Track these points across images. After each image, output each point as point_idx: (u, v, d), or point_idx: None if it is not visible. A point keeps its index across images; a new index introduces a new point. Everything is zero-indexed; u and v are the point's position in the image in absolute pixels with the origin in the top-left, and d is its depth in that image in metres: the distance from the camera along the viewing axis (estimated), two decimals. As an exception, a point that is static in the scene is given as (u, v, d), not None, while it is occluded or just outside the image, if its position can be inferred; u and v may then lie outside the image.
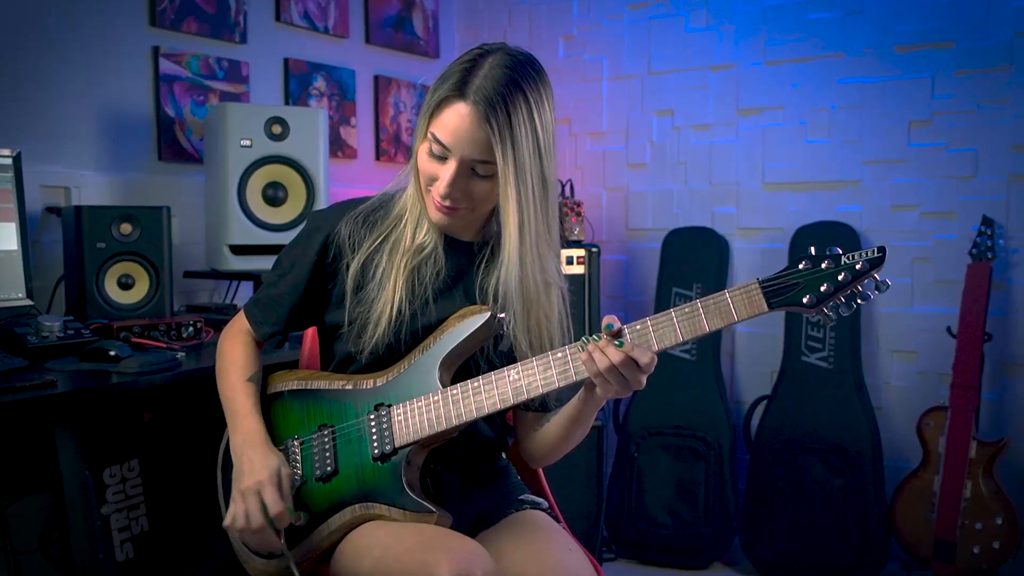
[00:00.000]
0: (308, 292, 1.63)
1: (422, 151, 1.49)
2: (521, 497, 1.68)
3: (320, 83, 3.45)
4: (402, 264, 1.54)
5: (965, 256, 2.95)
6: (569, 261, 3.18)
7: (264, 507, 1.48)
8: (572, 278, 3.15)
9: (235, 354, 1.68)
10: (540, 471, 1.87)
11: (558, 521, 1.67)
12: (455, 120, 1.43)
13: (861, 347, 3.19)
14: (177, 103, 2.95)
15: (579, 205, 3.41)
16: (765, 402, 3.31)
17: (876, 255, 1.30)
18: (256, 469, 1.50)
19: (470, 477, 1.66)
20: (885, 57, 3.17)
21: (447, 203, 1.49)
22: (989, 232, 2.89)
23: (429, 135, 1.46)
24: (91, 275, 2.36)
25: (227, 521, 1.50)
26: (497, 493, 1.69)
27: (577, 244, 3.27)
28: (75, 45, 2.69)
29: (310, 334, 1.91)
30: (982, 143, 3.02)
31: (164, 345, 2.22)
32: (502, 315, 1.53)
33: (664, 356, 3.43)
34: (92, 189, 2.71)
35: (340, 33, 3.53)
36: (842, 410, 3.13)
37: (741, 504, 3.28)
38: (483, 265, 1.60)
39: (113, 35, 2.78)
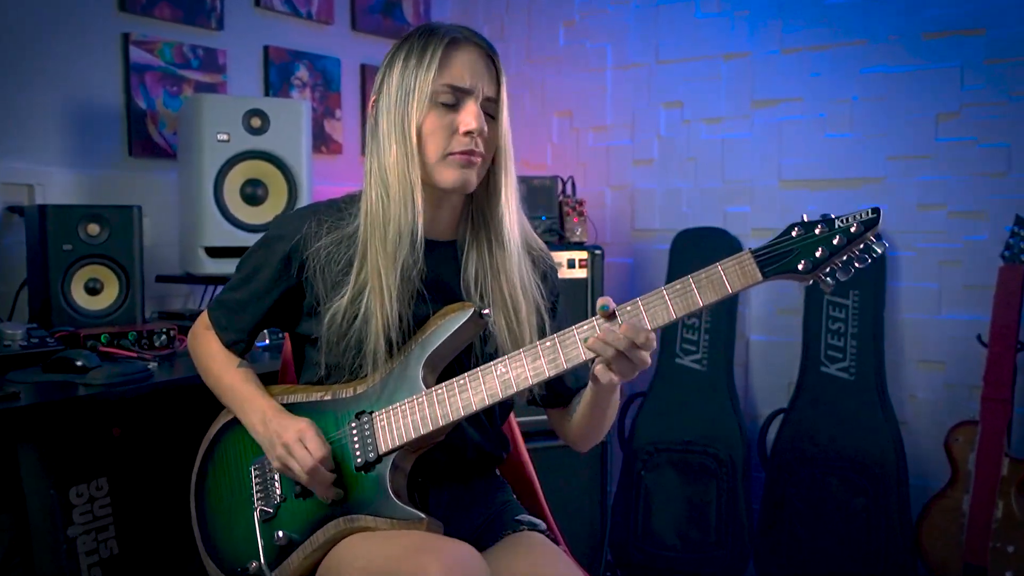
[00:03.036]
0: (272, 303, 1.66)
1: (427, 116, 1.53)
2: (518, 517, 1.69)
3: (302, 73, 3.46)
4: (380, 267, 1.55)
5: (996, 259, 2.96)
6: (571, 264, 3.19)
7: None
8: (574, 282, 3.16)
9: (212, 348, 1.72)
10: (538, 491, 1.89)
11: (558, 544, 1.68)
12: (470, 60, 1.54)
13: (885, 357, 3.20)
14: (149, 94, 2.96)
15: (581, 204, 3.42)
16: (781, 416, 3.32)
17: (871, 216, 1.33)
18: (289, 426, 1.55)
19: (462, 492, 1.68)
20: (911, 45, 3.19)
21: (475, 146, 1.54)
22: (1022, 233, 2.90)
23: (440, 88, 1.52)
24: (56, 279, 2.36)
25: (301, 476, 1.53)
26: (491, 511, 1.70)
27: (579, 246, 3.28)
28: (38, 31, 2.70)
29: (289, 345, 1.92)
30: (1015, 137, 3.03)
31: (135, 355, 2.23)
32: (487, 311, 1.56)
33: (673, 367, 3.46)
34: (57, 187, 2.72)
35: (324, 19, 3.54)
36: (864, 424, 3.14)
37: (756, 525, 3.29)
38: (466, 264, 1.63)
39: (80, 21, 2.79)
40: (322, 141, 3.53)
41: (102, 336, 2.25)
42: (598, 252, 3.23)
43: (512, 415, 1.93)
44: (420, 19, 3.94)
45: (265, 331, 2.46)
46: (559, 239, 3.36)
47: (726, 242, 3.45)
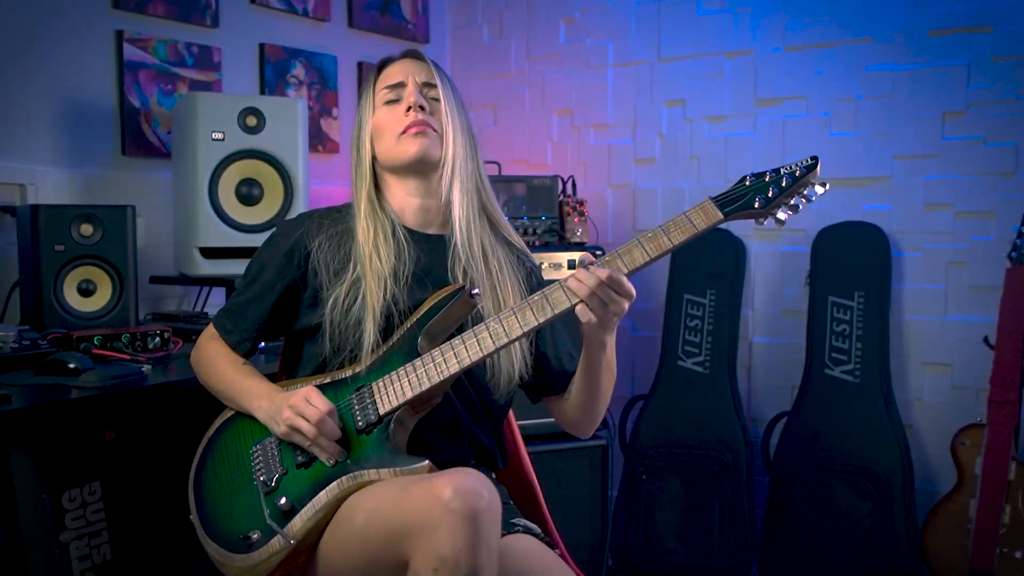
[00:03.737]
0: (279, 298, 1.77)
1: (377, 115, 1.80)
2: (513, 520, 1.70)
3: (299, 70, 3.46)
4: (375, 251, 1.71)
5: (1004, 259, 2.96)
6: (571, 265, 3.19)
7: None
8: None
9: (216, 350, 1.81)
10: (539, 495, 1.91)
11: (555, 547, 1.69)
12: (399, 64, 1.83)
13: (890, 359, 3.20)
14: (143, 92, 2.96)
15: (582, 204, 3.42)
16: (785, 419, 3.32)
17: (810, 162, 1.58)
18: (293, 392, 1.64)
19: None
20: (917, 42, 3.19)
21: (419, 115, 1.75)
22: (1030, 233, 2.91)
23: (380, 92, 1.80)
24: (48, 280, 2.37)
25: (308, 432, 1.59)
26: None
27: (580, 247, 3.28)
28: (31, 29, 2.70)
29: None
30: (1023, 136, 3.04)
31: (128, 357, 2.23)
32: (476, 291, 1.69)
33: (674, 369, 3.46)
34: (50, 186, 2.72)
35: (321, 16, 3.54)
36: (869, 428, 3.15)
37: (759, 530, 3.29)
38: (455, 257, 1.76)
39: (73, 18, 2.79)
40: (319, 140, 3.54)
41: (95, 338, 2.25)
42: (599, 253, 3.23)
43: (513, 419, 1.95)
44: (418, 16, 3.94)
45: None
46: (559, 239, 3.36)
47: (729, 242, 3.45)
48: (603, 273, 1.53)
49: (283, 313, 1.79)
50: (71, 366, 2.02)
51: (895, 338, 3.24)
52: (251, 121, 2.70)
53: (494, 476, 1.82)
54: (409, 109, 1.76)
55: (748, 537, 3.24)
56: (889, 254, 3.20)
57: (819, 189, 1.61)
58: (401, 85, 1.80)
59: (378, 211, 1.77)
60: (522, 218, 3.31)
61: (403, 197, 1.81)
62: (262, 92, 3.34)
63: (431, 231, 1.81)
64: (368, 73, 1.89)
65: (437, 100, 1.80)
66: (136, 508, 2.21)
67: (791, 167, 1.59)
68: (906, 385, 3.25)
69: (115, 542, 2.16)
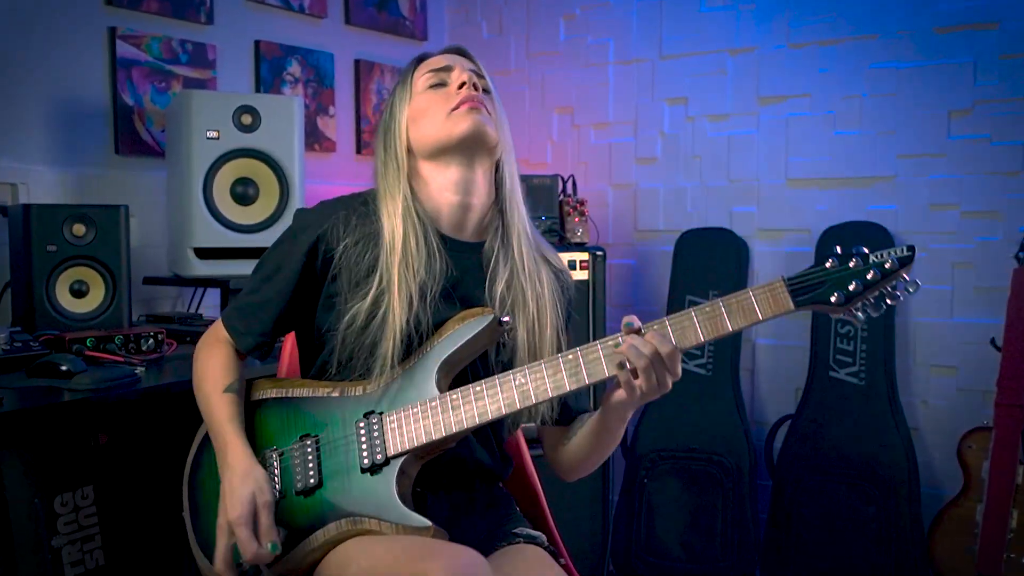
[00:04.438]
0: (296, 297, 1.65)
1: (418, 100, 1.67)
2: (515, 530, 1.69)
3: (295, 68, 3.46)
4: (401, 273, 1.57)
5: (1011, 260, 2.95)
6: (572, 266, 3.19)
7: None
8: (575, 285, 3.16)
9: (210, 365, 1.69)
10: (543, 502, 1.90)
11: (559, 556, 1.68)
12: (443, 56, 1.72)
13: (895, 361, 3.20)
14: (136, 90, 2.96)
15: (582, 204, 3.42)
16: (789, 422, 3.32)
17: (906, 253, 1.39)
18: (231, 503, 1.52)
19: (461, 504, 1.68)
20: (922, 39, 3.19)
21: (472, 92, 1.64)
22: (1037, 234, 2.91)
23: (422, 77, 1.69)
24: (40, 281, 2.36)
25: (216, 565, 1.53)
26: (491, 524, 1.70)
27: (580, 247, 3.28)
28: (22, 26, 2.70)
29: (289, 341, 1.92)
30: (1029, 135, 3.05)
31: (122, 359, 2.23)
32: (507, 319, 1.58)
33: (677, 371, 3.45)
34: (42, 186, 2.72)
35: (317, 13, 3.54)
36: (874, 431, 3.15)
37: (762, 535, 3.29)
38: (492, 267, 1.65)
39: (64, 14, 2.79)
40: (315, 139, 3.54)
41: (88, 340, 2.25)
42: (600, 253, 3.24)
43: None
44: (416, 12, 3.94)
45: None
46: (559, 240, 3.36)
47: (732, 243, 3.46)
48: (666, 348, 1.42)
49: (301, 309, 1.67)
50: (63, 368, 2.02)
51: (900, 340, 3.24)
52: (246, 119, 2.70)
53: (501, 486, 1.80)
54: (462, 85, 1.64)
55: (751, 542, 3.24)
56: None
57: (911, 288, 1.41)
58: (447, 69, 1.68)
59: (413, 213, 1.62)
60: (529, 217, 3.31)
61: (440, 193, 1.65)
62: (257, 90, 3.34)
63: (465, 237, 1.68)
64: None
65: (488, 92, 1.69)
66: (129, 513, 2.20)
67: (882, 256, 1.40)
68: (911, 387, 3.25)
69: (108, 547, 2.15)
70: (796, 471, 3.23)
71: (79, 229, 2.42)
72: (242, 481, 1.53)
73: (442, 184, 1.65)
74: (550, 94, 3.96)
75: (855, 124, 3.32)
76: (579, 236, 3.38)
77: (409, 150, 1.67)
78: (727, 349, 3.40)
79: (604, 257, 3.25)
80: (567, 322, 1.73)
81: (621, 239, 3.80)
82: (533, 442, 1.86)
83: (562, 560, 1.68)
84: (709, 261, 3.48)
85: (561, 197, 3.44)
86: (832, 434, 3.21)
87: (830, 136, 3.37)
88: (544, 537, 1.71)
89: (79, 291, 2.44)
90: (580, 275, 3.20)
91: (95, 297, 2.46)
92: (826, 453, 3.19)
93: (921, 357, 3.24)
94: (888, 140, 3.26)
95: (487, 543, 1.65)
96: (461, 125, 1.61)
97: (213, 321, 1.77)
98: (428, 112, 1.64)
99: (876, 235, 3.21)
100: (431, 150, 1.65)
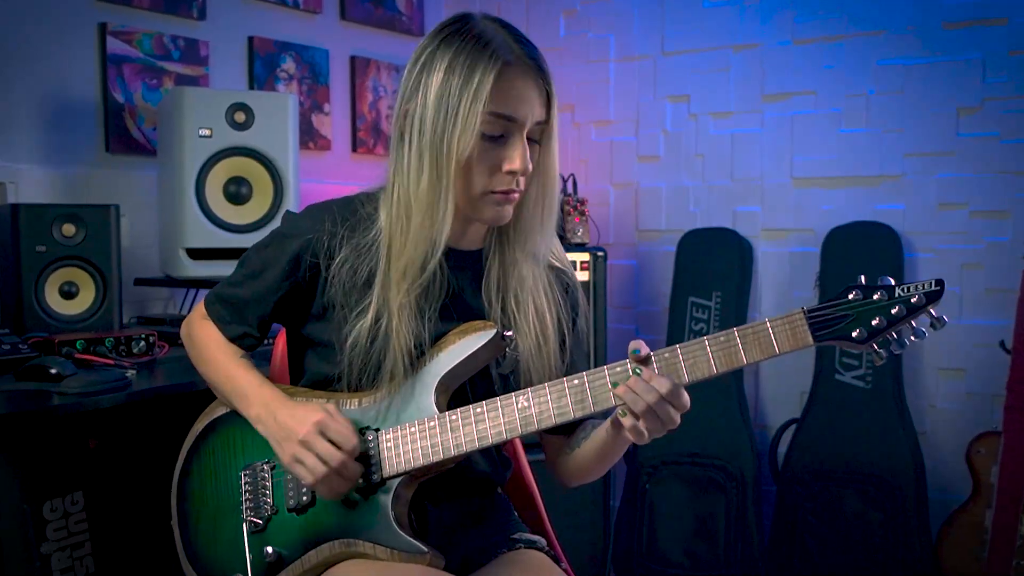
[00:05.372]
0: (277, 305, 1.63)
1: (474, 142, 1.46)
2: (515, 536, 1.69)
3: (289, 65, 3.46)
4: (400, 287, 1.52)
5: (1020, 261, 2.96)
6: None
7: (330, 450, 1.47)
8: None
9: (211, 335, 1.66)
10: (540, 507, 1.90)
11: (559, 562, 1.68)
12: (522, 85, 1.47)
13: (903, 365, 3.21)
14: (127, 87, 2.96)
15: (583, 203, 3.42)
16: (794, 427, 3.33)
17: (934, 288, 1.33)
18: (300, 417, 1.49)
19: (460, 513, 1.68)
20: (930, 35, 3.20)
21: (516, 185, 1.51)
22: (1047, 234, 2.92)
23: (487, 117, 1.45)
24: (29, 283, 2.36)
25: (307, 480, 1.48)
26: (489, 530, 1.70)
27: (581, 248, 3.28)
28: (10, 21, 2.70)
29: (280, 346, 1.92)
30: (1039, 133, 3.05)
31: (112, 362, 2.23)
32: (509, 332, 1.55)
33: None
34: (30, 185, 2.72)
35: (312, 8, 3.55)
36: (881, 435, 3.15)
37: (767, 542, 3.29)
38: (488, 275, 1.61)
39: (54, 10, 2.79)
40: (310, 137, 3.54)
41: (78, 342, 2.25)
42: (600, 254, 3.24)
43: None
44: (413, 9, 3.94)
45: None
46: (559, 240, 3.36)
47: (735, 243, 3.46)
48: (664, 386, 1.37)
49: (288, 312, 1.64)
50: (53, 371, 2.02)
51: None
52: (240, 117, 2.70)
53: (500, 491, 1.79)
54: (511, 172, 1.49)
55: (755, 549, 3.24)
56: (902, 255, 3.20)
57: (936, 326, 1.34)
58: (514, 122, 1.47)
59: (420, 241, 1.51)
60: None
61: (444, 234, 1.52)
62: (251, 87, 3.34)
63: (463, 246, 1.62)
64: (462, 44, 1.47)
65: (537, 142, 1.54)
66: (120, 519, 2.21)
67: (908, 290, 1.34)
68: (919, 391, 3.25)
69: (98, 554, 2.15)
70: (801, 477, 3.23)
71: (69, 229, 2.42)
72: (302, 405, 1.52)
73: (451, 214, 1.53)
74: (550, 91, 3.95)
75: (861, 122, 3.32)
76: (579, 236, 3.39)
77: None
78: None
79: (605, 258, 3.25)
80: (573, 325, 1.68)
81: (622, 239, 3.81)
82: (532, 446, 1.86)
83: (562, 564, 1.68)
84: (712, 262, 3.48)
85: (561, 196, 3.44)
86: (838, 439, 3.21)
87: (836, 134, 3.37)
88: (544, 541, 1.71)
89: (69, 292, 2.44)
90: (581, 276, 3.19)
91: (85, 299, 2.46)
92: (832, 458, 3.19)
93: (929, 360, 3.25)
94: (895, 138, 3.27)
95: (487, 549, 1.65)
96: (485, 214, 1.53)
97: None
98: (470, 175, 1.49)
99: (883, 235, 3.21)
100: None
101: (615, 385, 1.41)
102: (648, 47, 3.74)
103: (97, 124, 2.92)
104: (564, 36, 3.92)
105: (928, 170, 3.22)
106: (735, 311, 3.42)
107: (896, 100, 3.26)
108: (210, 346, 1.66)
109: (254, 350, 1.69)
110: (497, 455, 1.73)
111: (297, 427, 1.47)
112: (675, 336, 3.50)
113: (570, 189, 3.50)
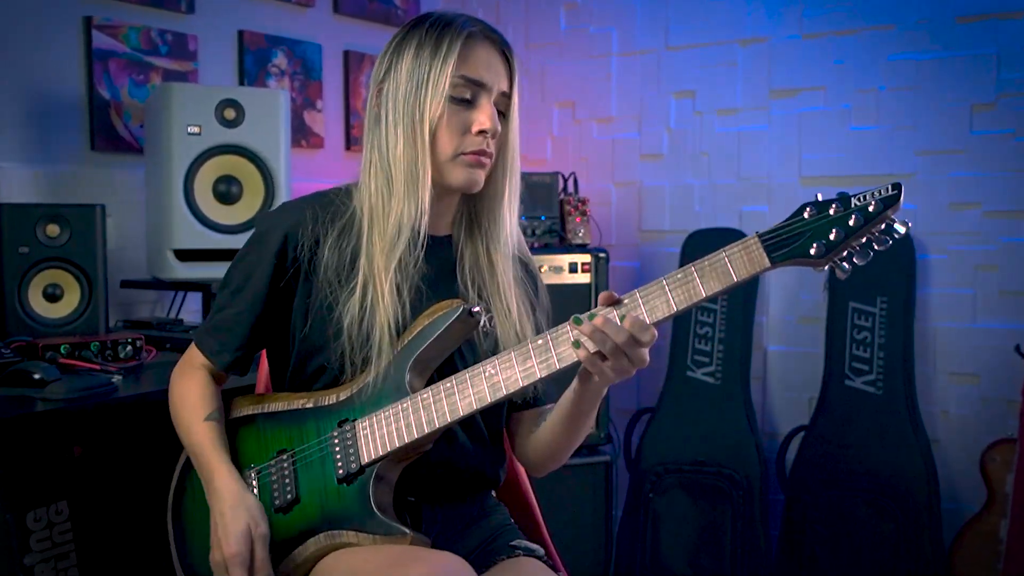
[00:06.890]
0: (271, 303, 1.65)
1: (441, 105, 1.57)
2: (513, 543, 1.70)
3: (280, 60, 3.47)
4: (381, 263, 1.59)
5: (1035, 262, 2.98)
6: (572, 268, 3.20)
7: None
8: (576, 288, 3.18)
9: (188, 393, 1.69)
10: (538, 515, 1.91)
11: (557, 571, 1.69)
12: (486, 54, 1.61)
13: (915, 369, 3.21)
14: (113, 83, 2.96)
15: (584, 203, 3.43)
16: (802, 433, 3.33)
17: (891, 192, 1.31)
18: (224, 538, 1.53)
19: (456, 514, 1.70)
20: (943, 30, 3.20)
21: (486, 147, 1.60)
22: (1063, 234, 2.92)
23: (456, 80, 1.58)
24: (12, 285, 2.37)
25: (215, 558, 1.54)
26: (487, 535, 1.72)
27: (582, 248, 3.29)
28: (-6, 15, 2.71)
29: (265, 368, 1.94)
30: (1055, 130, 3.06)
31: (98, 367, 2.23)
32: (477, 308, 1.59)
33: (684, 380, 3.47)
34: (13, 184, 2.73)
35: (304, 1, 3.55)
36: (892, 442, 3.16)
37: (774, 552, 3.30)
38: (461, 260, 1.70)
39: (37, 2, 2.79)
40: (302, 134, 3.54)
41: (62, 347, 2.25)
42: (602, 255, 3.24)
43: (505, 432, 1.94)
44: (408, 3, 3.95)
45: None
46: (560, 241, 3.37)
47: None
48: (634, 328, 1.39)
49: (273, 318, 1.67)
50: (36, 376, 2.03)
51: (920, 346, 3.25)
52: (229, 114, 2.71)
53: (494, 494, 1.82)
54: (481, 132, 1.58)
55: (762, 559, 3.25)
56: (913, 257, 3.21)
57: (900, 228, 1.34)
58: (482, 87, 1.59)
59: (403, 209, 1.60)
60: (520, 218, 3.31)
61: (426, 198, 1.62)
62: (241, 83, 3.34)
63: (439, 232, 1.70)
64: (430, 26, 1.61)
65: (505, 116, 1.64)
66: (106, 528, 2.21)
67: (864, 198, 1.32)
68: (932, 397, 3.26)
69: (83, 565, 2.16)
70: (810, 485, 3.23)
71: (53, 230, 2.42)
72: (234, 513, 1.55)
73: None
74: (550, 87, 3.97)
75: (872, 119, 3.33)
76: (580, 237, 3.39)
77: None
78: (736, 356, 3.41)
79: (607, 259, 3.26)
80: (535, 309, 1.76)
81: (625, 240, 3.81)
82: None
83: (561, 574, 1.70)
84: (718, 263, 3.47)
85: (562, 196, 3.45)
86: (848, 446, 3.21)
87: (845, 131, 3.38)
88: (542, 550, 1.73)
89: (53, 295, 2.44)
90: (582, 278, 3.20)
91: (70, 301, 2.46)
92: (841, 466, 3.20)
93: (942, 365, 3.25)
94: (906, 136, 3.27)
95: (485, 556, 1.67)
96: (457, 177, 1.62)
97: (194, 327, 1.79)
98: (441, 137, 1.59)
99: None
100: None
101: (577, 346, 1.45)
102: (652, 41, 3.74)
103: (82, 121, 2.92)
104: (565, 30, 3.93)
105: (940, 169, 3.23)
106: (742, 314, 3.42)
107: (907, 96, 3.27)
108: (183, 405, 1.69)
109: (247, 371, 1.73)
110: (493, 452, 1.76)
111: (217, 545, 1.54)
112: (680, 340, 3.51)
113: (571, 188, 3.51)
